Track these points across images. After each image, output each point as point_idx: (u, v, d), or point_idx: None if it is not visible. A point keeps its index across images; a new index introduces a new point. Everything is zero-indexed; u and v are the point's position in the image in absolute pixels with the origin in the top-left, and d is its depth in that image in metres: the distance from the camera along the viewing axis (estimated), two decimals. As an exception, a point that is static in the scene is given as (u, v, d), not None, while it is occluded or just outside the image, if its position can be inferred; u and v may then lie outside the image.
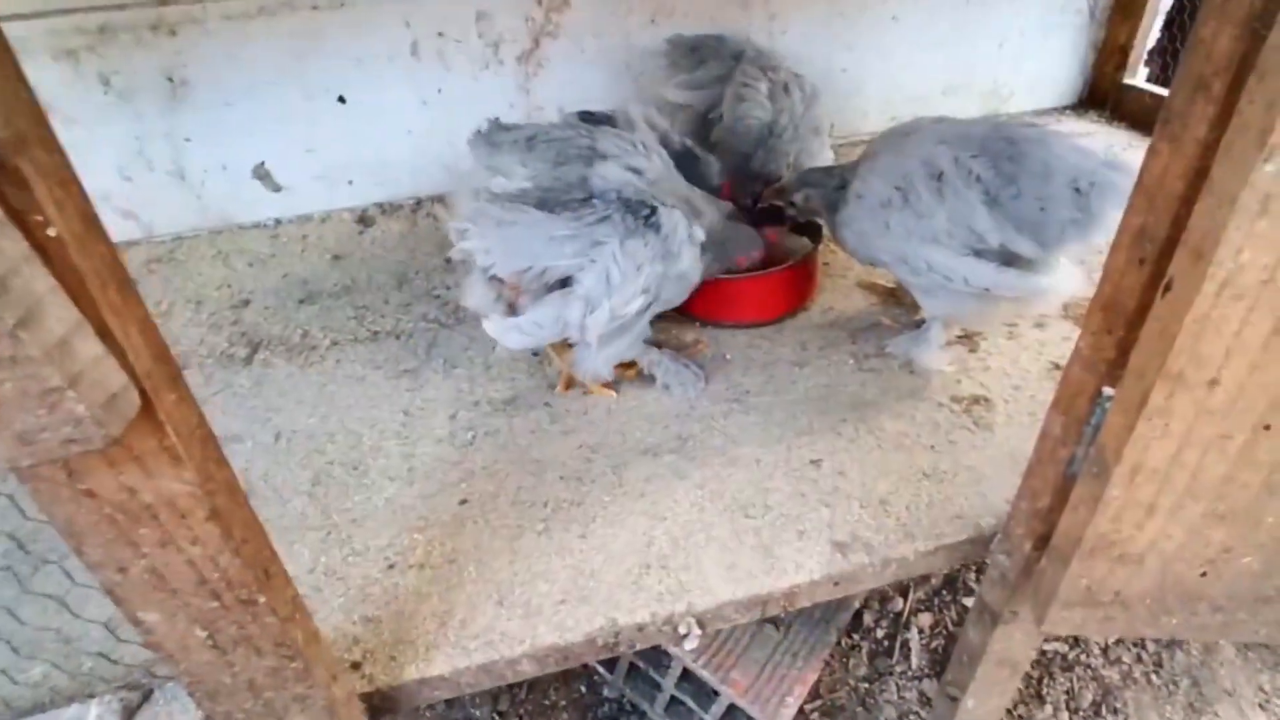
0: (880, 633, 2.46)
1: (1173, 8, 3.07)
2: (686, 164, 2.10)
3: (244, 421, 1.88)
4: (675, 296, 1.74)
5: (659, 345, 1.91)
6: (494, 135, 1.99)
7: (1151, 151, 0.97)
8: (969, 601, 2.47)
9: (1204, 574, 1.24)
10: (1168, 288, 0.97)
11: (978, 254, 1.63)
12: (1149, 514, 1.15)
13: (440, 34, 2.66)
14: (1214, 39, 0.86)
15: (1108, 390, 1.12)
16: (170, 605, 0.92)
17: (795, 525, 1.50)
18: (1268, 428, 1.04)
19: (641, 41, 2.84)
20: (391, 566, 1.48)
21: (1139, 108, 3.09)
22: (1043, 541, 1.34)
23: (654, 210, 1.61)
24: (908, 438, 1.69)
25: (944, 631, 2.46)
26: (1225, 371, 0.97)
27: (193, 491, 0.83)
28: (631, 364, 1.87)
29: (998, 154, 1.59)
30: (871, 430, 1.71)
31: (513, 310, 1.62)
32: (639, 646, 1.39)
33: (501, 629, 1.34)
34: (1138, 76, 3.17)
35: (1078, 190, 1.50)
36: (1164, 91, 2.97)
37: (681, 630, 1.37)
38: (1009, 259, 1.63)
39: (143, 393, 0.74)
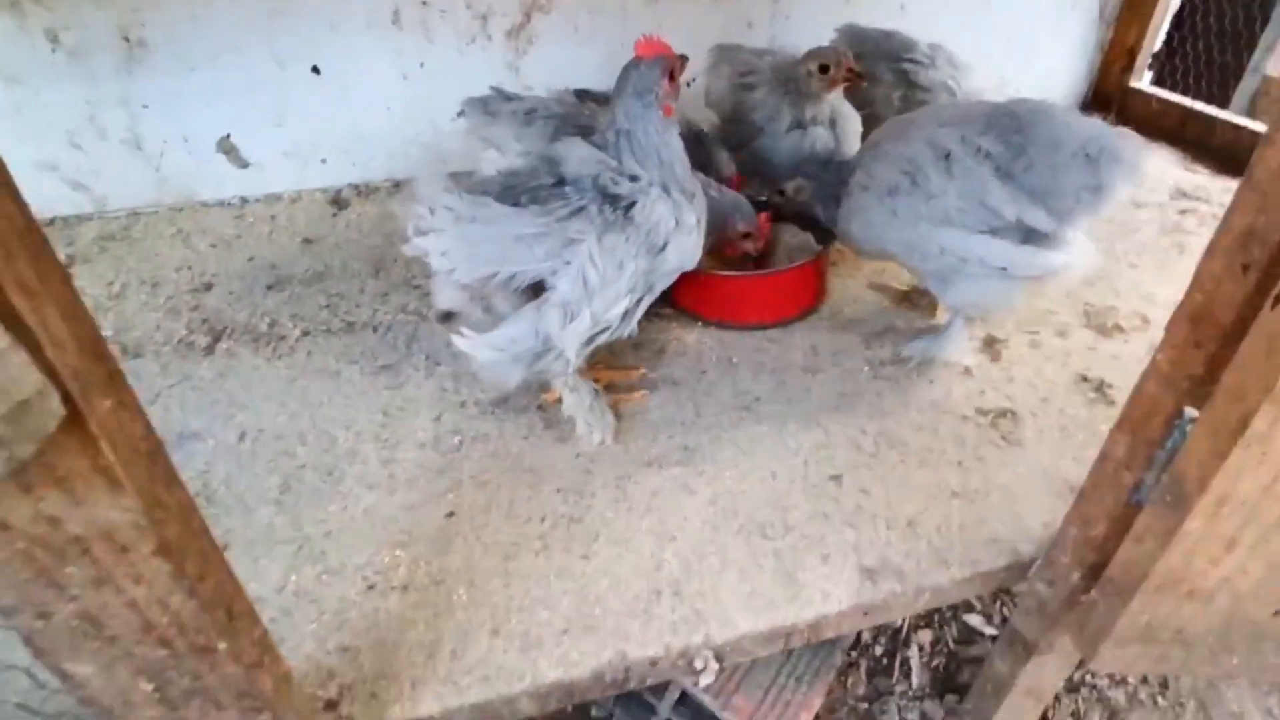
0: (879, 650, 2.35)
1: (1180, 8, 3.00)
2: (696, 152, 1.96)
3: (204, 418, 1.68)
4: (665, 285, 1.57)
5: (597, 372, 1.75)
6: (493, 104, 1.83)
7: (1268, 141, 0.85)
8: (970, 619, 2.38)
9: (1277, 613, 1.13)
10: (1280, 299, 0.85)
11: (992, 233, 1.56)
12: (1228, 548, 1.04)
13: (424, 2, 2.47)
14: (1363, 12, 0.74)
15: (1190, 411, 1.01)
16: (107, 656, 0.75)
17: (818, 548, 1.37)
18: (1375, 457, 0.93)
19: (639, 21, 2.68)
20: (371, 587, 1.31)
21: (1145, 111, 3.02)
22: (1093, 572, 1.22)
23: (634, 201, 1.42)
24: (932, 453, 1.57)
25: (945, 649, 2.35)
26: (1343, 394, 0.86)
27: (136, 521, 0.66)
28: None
29: (1004, 129, 1.54)
30: (893, 444, 1.59)
31: (488, 308, 1.43)
32: (651, 682, 1.25)
33: (498, 662, 1.19)
34: (1144, 79, 3.10)
35: (1088, 156, 1.46)
36: (1171, 95, 2.91)
37: (698, 665, 1.23)
38: (1023, 236, 1.56)
39: (68, 398, 0.57)
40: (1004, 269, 1.56)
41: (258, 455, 1.57)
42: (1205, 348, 0.97)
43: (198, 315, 2.05)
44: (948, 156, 1.55)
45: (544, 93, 2.71)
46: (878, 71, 2.19)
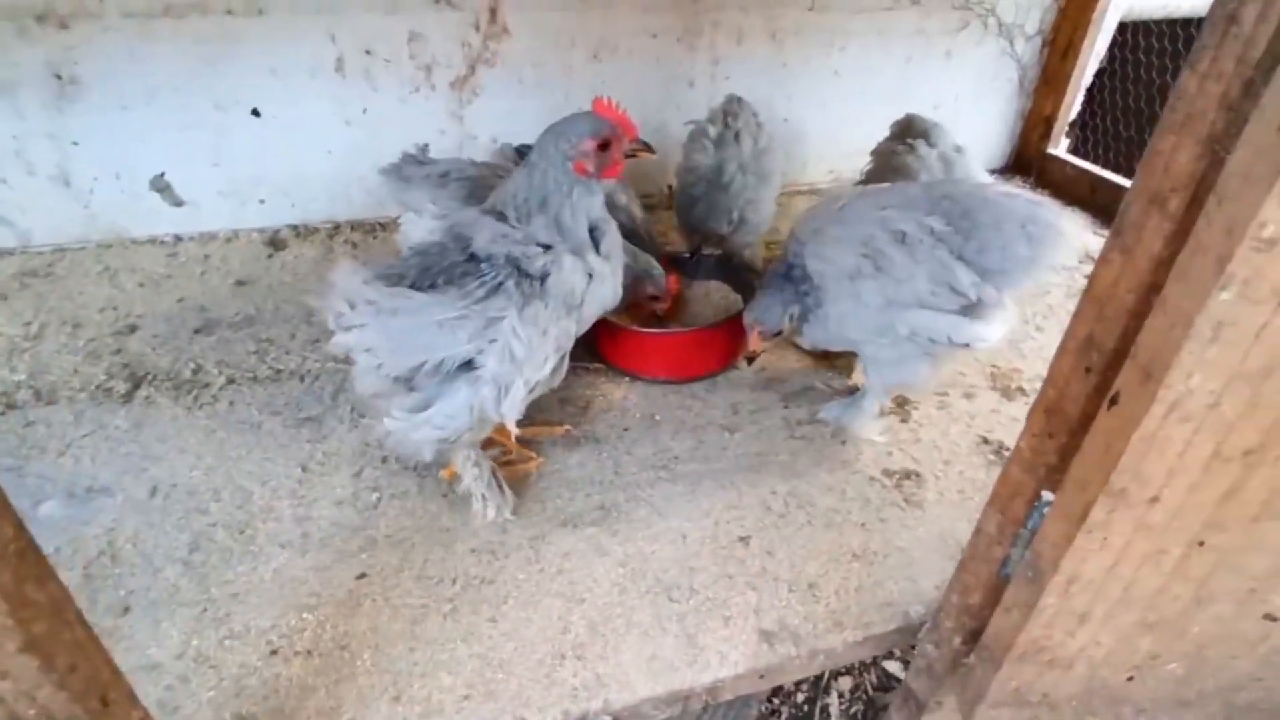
0: (800, 697, 2.40)
1: (1093, 84, 3.21)
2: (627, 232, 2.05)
3: (115, 471, 1.66)
4: (585, 330, 1.59)
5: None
6: (406, 169, 1.85)
7: (1103, 260, 0.94)
8: (890, 665, 2.44)
9: (1130, 679, 1.22)
10: (1114, 400, 0.93)
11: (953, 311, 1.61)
12: (1081, 622, 1.11)
13: (368, 52, 2.51)
14: (1172, 154, 0.84)
15: (1047, 495, 1.09)
16: (-29, 748, 0.75)
17: (721, 610, 1.42)
18: (1201, 544, 1.02)
19: (584, 76, 2.76)
20: (274, 652, 1.31)
21: (1061, 177, 3.21)
22: (972, 636, 1.29)
23: (547, 273, 1.42)
24: (838, 514, 1.64)
25: (864, 696, 2.41)
26: (1166, 490, 0.94)
27: (0, 623, 0.67)
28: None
29: (948, 212, 1.59)
30: (802, 505, 1.65)
31: (412, 387, 1.42)
32: (549, 748, 1.27)
33: (395, 731, 1.20)
34: (1060, 147, 3.30)
35: (1030, 235, 1.54)
36: (1083, 163, 3.10)
37: (596, 730, 1.26)
38: (968, 309, 1.61)
39: (-70, 513, 0.59)
40: (967, 345, 1.60)
41: (168, 512, 1.56)
42: (1057, 438, 1.06)
43: (119, 359, 2.02)
44: (904, 239, 1.58)
45: (488, 142, 2.78)
46: (920, 149, 2.32)
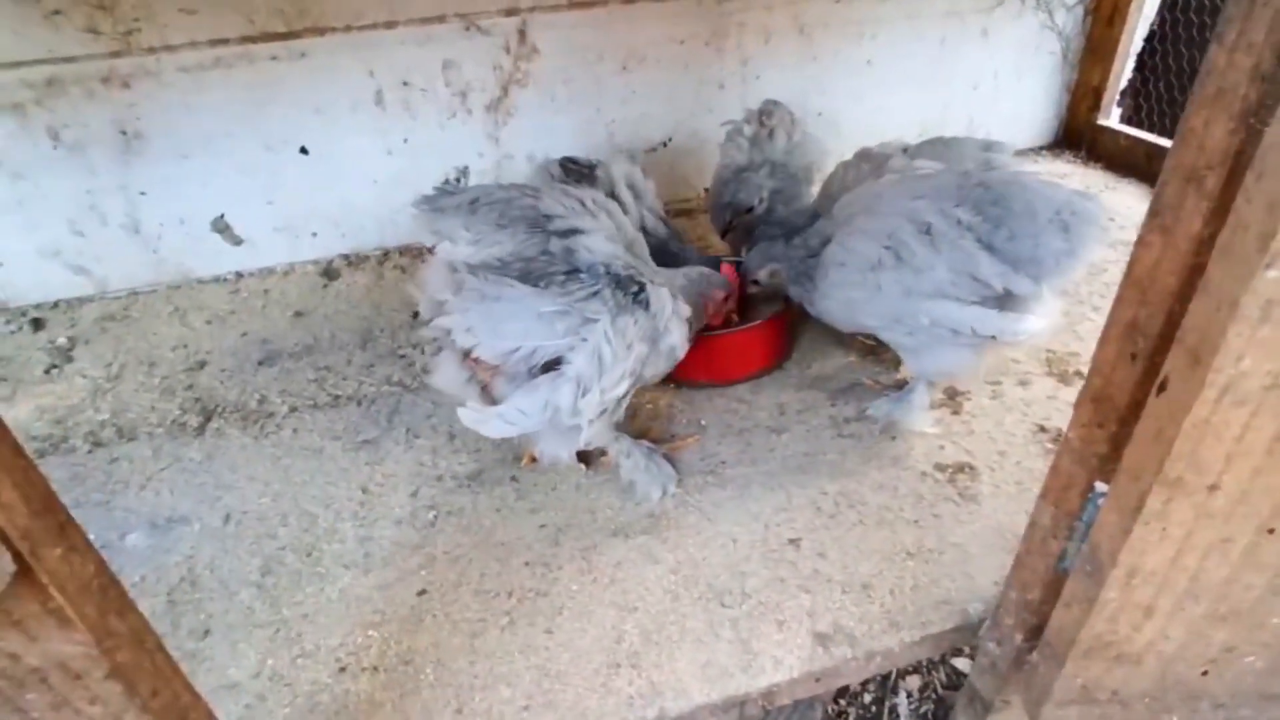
0: (868, 697, 2.36)
1: (1144, 49, 3.08)
2: (659, 245, 2.08)
3: (192, 501, 1.76)
4: (658, 373, 1.67)
5: (642, 434, 1.82)
6: (437, 200, 1.92)
7: (1142, 243, 0.91)
8: (959, 663, 2.38)
9: (1205, 673, 1.16)
10: (1162, 387, 0.90)
11: (980, 302, 1.59)
12: (1147, 615, 1.08)
13: (405, 83, 2.60)
14: (1206, 130, 0.81)
15: (1100, 486, 1.06)
16: (69, 769, 0.81)
17: (774, 615, 1.41)
18: (1271, 531, 0.97)
19: (613, 89, 2.79)
20: (343, 669, 1.37)
21: (1114, 148, 3.09)
22: (1034, 633, 1.26)
23: (643, 287, 1.54)
24: (890, 512, 1.61)
25: (933, 695, 2.36)
26: (1226, 476, 0.91)
27: (87, 651, 0.73)
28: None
29: (979, 200, 1.57)
30: (853, 504, 1.64)
31: (485, 392, 1.51)
32: (608, 756, 1.29)
33: (459, 742, 1.24)
34: (1111, 117, 3.17)
35: (1064, 223, 1.51)
36: (1137, 133, 2.97)
37: (654, 738, 1.27)
38: (1001, 302, 1.59)
39: (18, 555, 0.65)
40: (993, 337, 1.58)
41: (241, 538, 1.65)
42: (1107, 427, 1.02)
43: (191, 395, 2.14)
44: (929, 230, 1.58)
45: (524, 161, 2.83)
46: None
